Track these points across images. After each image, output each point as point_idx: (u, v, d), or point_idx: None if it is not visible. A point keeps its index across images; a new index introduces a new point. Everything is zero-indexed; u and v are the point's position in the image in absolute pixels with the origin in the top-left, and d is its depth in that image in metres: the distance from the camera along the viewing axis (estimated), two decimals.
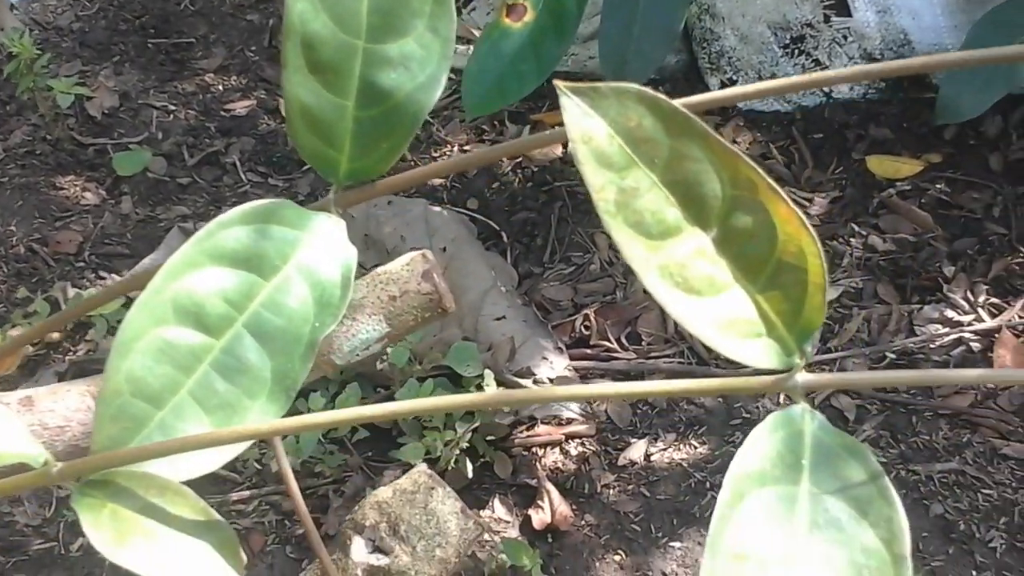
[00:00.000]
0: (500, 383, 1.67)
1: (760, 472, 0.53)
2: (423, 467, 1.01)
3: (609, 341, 1.86)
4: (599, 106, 0.51)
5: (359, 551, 0.97)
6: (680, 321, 0.52)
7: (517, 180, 2.06)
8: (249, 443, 0.60)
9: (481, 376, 1.65)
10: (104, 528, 0.57)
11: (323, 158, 0.70)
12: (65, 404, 0.82)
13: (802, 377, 0.55)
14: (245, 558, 0.58)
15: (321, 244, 0.69)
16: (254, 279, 0.67)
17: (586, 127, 0.51)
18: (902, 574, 0.51)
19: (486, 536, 1.64)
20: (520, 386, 1.71)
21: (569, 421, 1.75)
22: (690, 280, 0.53)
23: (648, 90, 0.51)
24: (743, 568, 0.51)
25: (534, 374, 1.73)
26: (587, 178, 0.51)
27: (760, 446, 0.53)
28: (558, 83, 0.50)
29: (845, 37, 2.08)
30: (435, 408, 0.57)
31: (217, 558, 0.58)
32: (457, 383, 1.68)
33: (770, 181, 0.52)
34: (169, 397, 0.64)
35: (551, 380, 1.73)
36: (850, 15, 2.07)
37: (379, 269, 0.95)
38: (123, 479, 0.58)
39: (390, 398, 1.70)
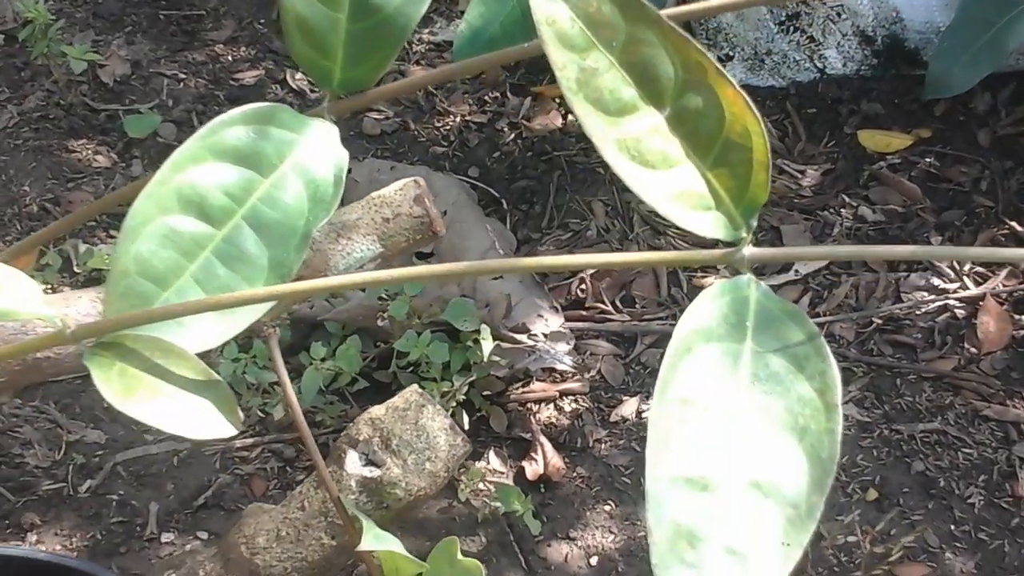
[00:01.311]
0: (496, 337, 1.72)
1: (707, 329, 0.58)
2: (414, 387, 1.06)
3: (604, 303, 1.91)
4: None
5: (353, 464, 1.03)
6: (635, 191, 0.58)
7: (517, 150, 2.12)
8: (263, 310, 0.66)
9: (478, 331, 1.70)
10: (113, 383, 0.62)
11: (318, 67, 0.76)
12: (76, 309, 0.88)
13: (748, 250, 0.61)
14: (242, 416, 0.64)
15: (316, 146, 0.74)
16: (253, 175, 0.73)
17: (550, 10, 0.57)
18: (833, 419, 0.57)
19: (480, 485, 1.69)
20: (516, 341, 1.76)
21: (563, 378, 1.80)
22: (645, 154, 0.58)
23: None
24: (688, 412, 0.56)
25: (529, 329, 1.78)
26: (551, 57, 0.57)
27: (708, 307, 0.59)
28: None
29: (839, 14, 2.13)
30: (392, 280, 0.63)
31: (216, 412, 0.64)
32: (455, 338, 1.73)
33: (718, 65, 0.57)
34: (173, 279, 0.70)
35: (546, 336, 1.78)
36: None
37: (374, 193, 1.00)
38: (131, 341, 0.64)
39: (390, 351, 1.76)
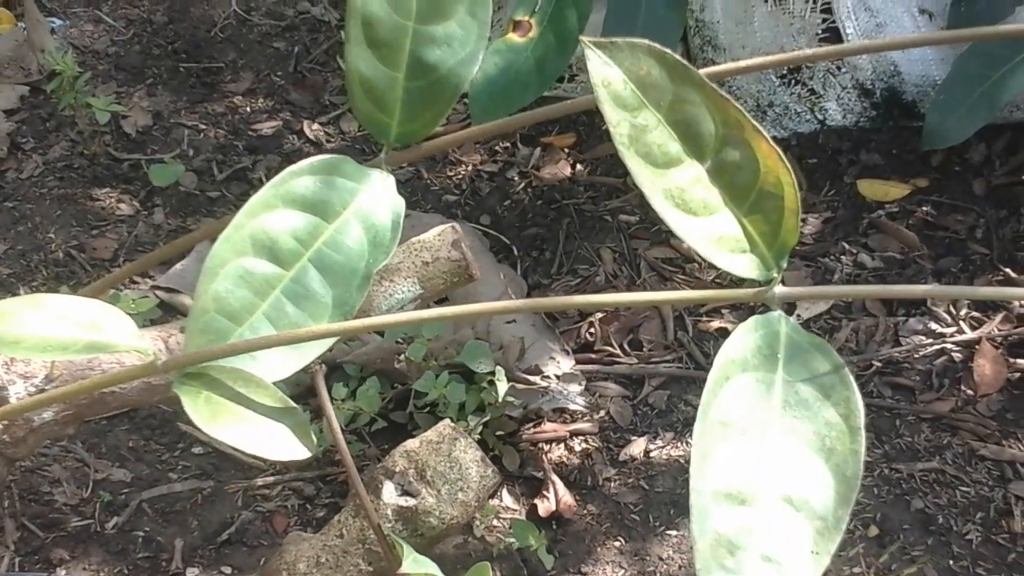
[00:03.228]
0: (510, 379, 1.78)
1: (743, 360, 0.65)
2: (447, 421, 1.12)
3: (612, 347, 1.98)
4: (616, 57, 0.63)
5: (389, 494, 1.08)
6: (680, 235, 0.65)
7: (527, 198, 2.19)
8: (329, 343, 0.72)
9: (493, 372, 1.77)
10: (201, 409, 0.68)
11: (377, 122, 0.82)
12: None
13: (779, 289, 0.67)
14: (315, 440, 0.70)
15: (375, 195, 0.81)
16: (319, 221, 0.79)
17: (605, 74, 0.63)
18: (857, 441, 0.63)
19: (495, 522, 1.75)
20: (530, 382, 1.83)
21: (574, 418, 1.87)
22: (688, 202, 0.65)
23: (656, 45, 0.63)
24: (727, 432, 0.63)
25: (542, 371, 1.85)
26: (606, 115, 0.63)
27: (743, 340, 0.65)
28: (584, 38, 0.63)
29: (839, 68, 2.21)
30: (414, 321, 0.69)
31: (292, 437, 0.70)
32: (470, 379, 1.80)
33: (754, 123, 0.64)
34: (247, 316, 0.76)
35: (558, 377, 1.85)
36: None
37: (414, 239, 1.07)
38: (215, 372, 0.70)
39: (406, 393, 1.82)
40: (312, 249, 0.78)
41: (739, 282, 1.93)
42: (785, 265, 0.67)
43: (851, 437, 0.63)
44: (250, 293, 0.76)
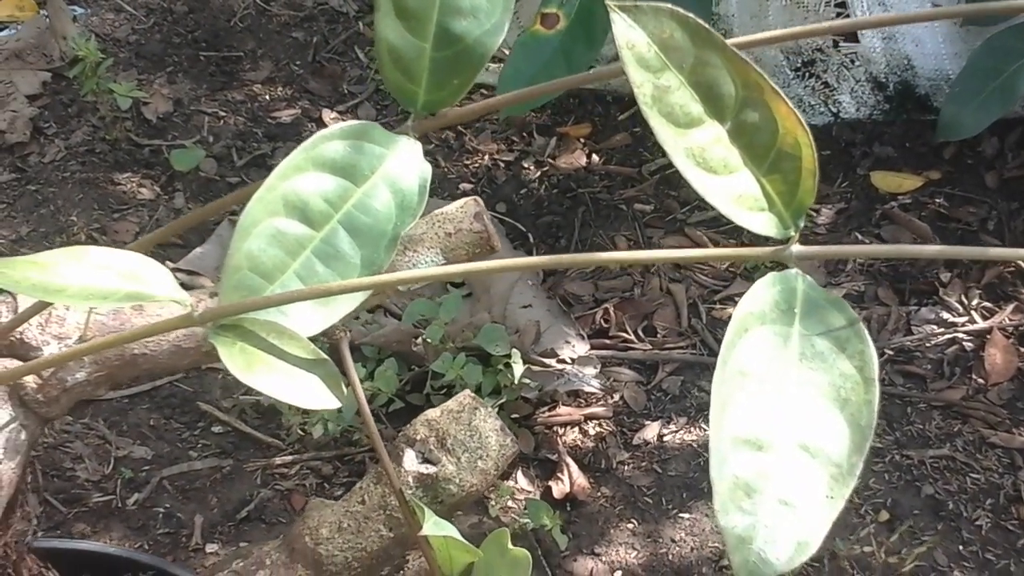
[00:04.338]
0: (526, 362, 1.81)
1: (761, 313, 0.67)
2: (467, 391, 1.15)
3: (627, 333, 2.00)
4: (640, 20, 0.66)
5: (410, 461, 1.10)
6: (701, 193, 0.67)
7: (543, 187, 2.21)
8: (363, 297, 0.74)
9: (509, 355, 1.79)
10: (236, 359, 0.71)
11: (404, 91, 0.85)
12: (170, 311, 0.96)
13: (796, 248, 0.69)
14: (346, 390, 0.73)
15: (403, 160, 0.83)
16: (348, 184, 0.81)
17: (630, 36, 0.66)
18: (871, 392, 0.65)
19: (510, 503, 1.78)
20: (545, 365, 1.85)
21: (588, 403, 1.89)
22: (709, 161, 0.67)
23: (679, 9, 0.66)
24: (745, 382, 0.65)
25: (557, 355, 1.87)
26: (630, 76, 0.66)
27: (762, 294, 0.67)
28: (608, 1, 0.65)
29: (852, 61, 2.23)
30: (440, 276, 0.71)
31: (323, 387, 0.72)
32: (487, 362, 1.82)
33: (773, 85, 0.66)
34: (278, 275, 0.78)
35: (573, 360, 1.87)
36: (857, 41, 2.23)
37: (436, 211, 1.09)
38: (249, 324, 0.73)
39: (423, 375, 1.84)
40: (342, 211, 0.80)
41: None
42: (802, 224, 0.69)
43: (865, 388, 0.66)
44: (282, 252, 0.78)
